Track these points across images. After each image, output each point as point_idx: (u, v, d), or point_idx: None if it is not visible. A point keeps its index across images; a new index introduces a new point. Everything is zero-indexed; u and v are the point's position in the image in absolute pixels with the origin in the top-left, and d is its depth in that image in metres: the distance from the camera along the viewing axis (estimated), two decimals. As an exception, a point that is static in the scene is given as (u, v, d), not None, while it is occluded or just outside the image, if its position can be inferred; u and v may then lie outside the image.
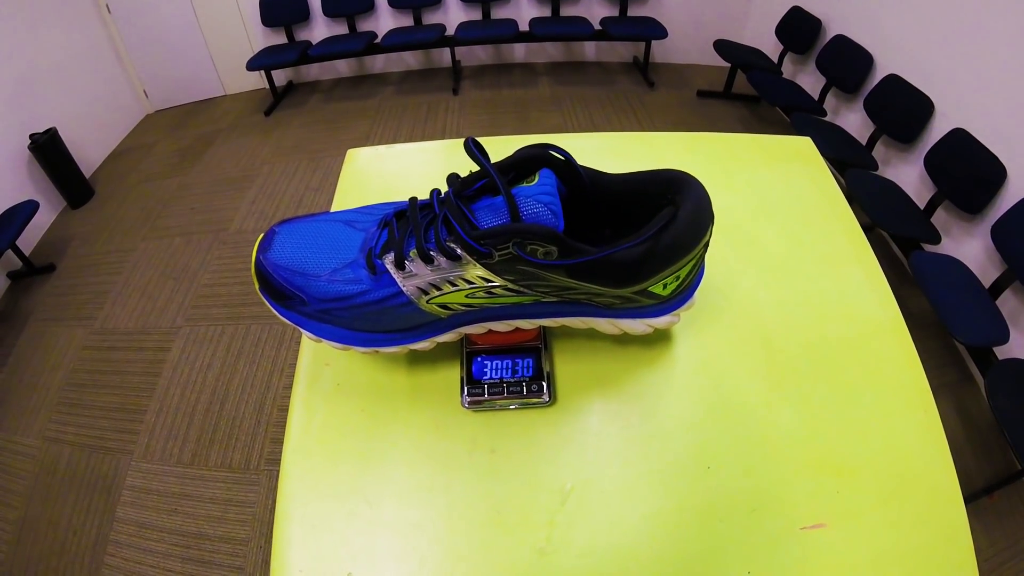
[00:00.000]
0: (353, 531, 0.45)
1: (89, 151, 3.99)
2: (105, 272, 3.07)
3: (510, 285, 0.42)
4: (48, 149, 3.47)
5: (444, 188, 0.45)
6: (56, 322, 2.84)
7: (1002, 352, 2.12)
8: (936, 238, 2.42)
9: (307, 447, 0.50)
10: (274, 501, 1.89)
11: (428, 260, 0.41)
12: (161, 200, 3.58)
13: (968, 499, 1.82)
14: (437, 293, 0.43)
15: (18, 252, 3.10)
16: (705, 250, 0.44)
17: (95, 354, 2.61)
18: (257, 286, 0.47)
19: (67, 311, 2.88)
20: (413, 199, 0.44)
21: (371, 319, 0.45)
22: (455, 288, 0.42)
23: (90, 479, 2.12)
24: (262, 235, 0.47)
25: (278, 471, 1.77)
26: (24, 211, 3.09)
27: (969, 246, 2.39)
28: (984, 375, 1.86)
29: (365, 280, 0.44)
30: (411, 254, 0.42)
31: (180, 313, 2.72)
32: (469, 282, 0.42)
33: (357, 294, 0.44)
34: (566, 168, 0.43)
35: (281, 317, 0.47)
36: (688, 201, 0.41)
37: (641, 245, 0.40)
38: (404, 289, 0.43)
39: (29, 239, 3.33)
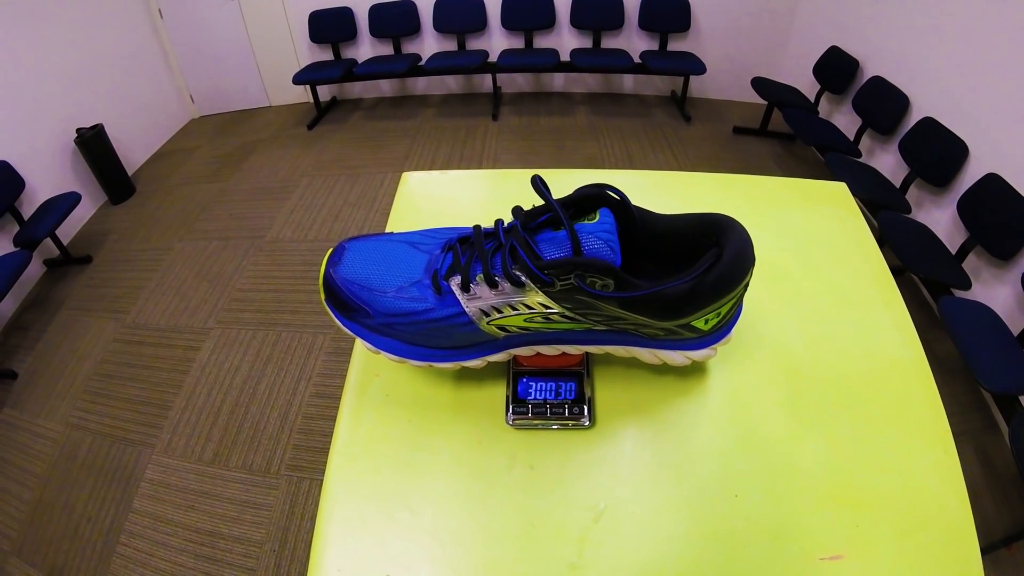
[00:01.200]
0: (393, 535, 0.47)
1: (133, 150, 4.12)
2: (141, 268, 3.16)
3: (567, 312, 0.45)
4: (93, 144, 3.59)
5: (498, 216, 0.48)
6: (88, 312, 2.92)
7: (1028, 403, 2.09)
8: (966, 284, 2.40)
9: (353, 452, 0.52)
10: (291, 506, 1.93)
11: (493, 285, 0.44)
12: (200, 203, 3.67)
13: (987, 549, 1.78)
14: (498, 315, 0.46)
15: (56, 241, 3.20)
16: (745, 290, 0.47)
17: (125, 347, 2.68)
18: (323, 297, 0.50)
19: (100, 303, 2.97)
20: (477, 227, 0.48)
21: (431, 335, 0.49)
22: (515, 312, 0.45)
23: (109, 468, 2.16)
24: (331, 250, 0.51)
25: (298, 477, 1.80)
26: (66, 202, 3.19)
27: (1000, 293, 2.37)
28: (1008, 423, 1.83)
29: (430, 299, 0.47)
30: (477, 278, 0.45)
31: (212, 315, 2.78)
32: (529, 307, 0.45)
33: (422, 311, 0.47)
34: (619, 206, 0.46)
35: (343, 327, 0.51)
36: (732, 244, 0.43)
37: (689, 283, 0.43)
38: (467, 310, 0.46)
39: (68, 230, 3.44)
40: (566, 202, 0.44)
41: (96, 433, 2.30)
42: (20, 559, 1.93)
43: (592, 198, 0.44)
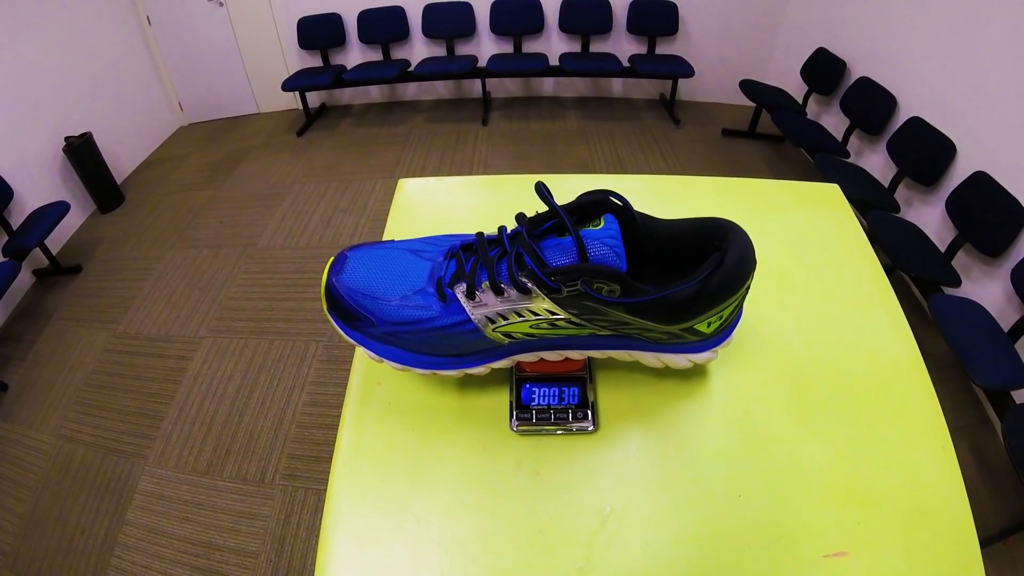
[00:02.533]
0: (399, 546, 0.46)
1: (122, 158, 4.09)
2: (131, 278, 3.13)
3: (573, 318, 0.45)
4: (82, 153, 3.56)
5: (496, 222, 0.48)
6: (79, 322, 2.89)
7: (1020, 396, 2.10)
8: (956, 281, 2.43)
9: (356, 463, 0.52)
10: (287, 516, 1.91)
11: (499, 292, 0.45)
12: (191, 211, 3.65)
13: (983, 543, 1.79)
14: (503, 322, 0.46)
15: (46, 251, 3.17)
16: (747, 292, 0.47)
17: (116, 357, 2.66)
18: (325, 306, 0.50)
19: (91, 312, 2.94)
20: (480, 234, 0.48)
21: (436, 343, 0.48)
22: (521, 319, 0.45)
23: (102, 480, 2.14)
24: (332, 258, 0.51)
25: (293, 486, 1.79)
26: (55, 211, 3.16)
27: (989, 289, 2.39)
28: (1001, 418, 1.85)
29: (435, 307, 0.47)
30: (483, 285, 0.45)
31: (204, 324, 2.76)
32: (535, 314, 0.45)
33: (427, 319, 0.47)
34: (621, 211, 0.46)
35: (346, 336, 0.51)
36: (734, 248, 0.44)
37: (693, 287, 0.43)
38: (472, 317, 0.46)
39: (57, 239, 3.40)
40: (570, 208, 0.44)
41: (88, 445, 2.28)
42: (14, 573, 1.91)
43: (595, 204, 0.44)
